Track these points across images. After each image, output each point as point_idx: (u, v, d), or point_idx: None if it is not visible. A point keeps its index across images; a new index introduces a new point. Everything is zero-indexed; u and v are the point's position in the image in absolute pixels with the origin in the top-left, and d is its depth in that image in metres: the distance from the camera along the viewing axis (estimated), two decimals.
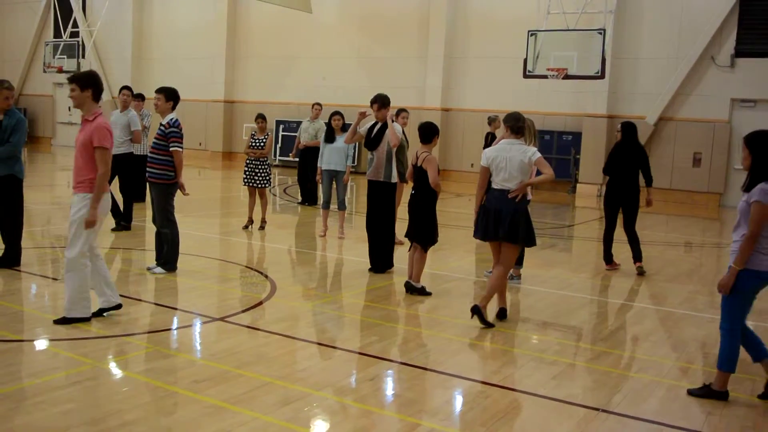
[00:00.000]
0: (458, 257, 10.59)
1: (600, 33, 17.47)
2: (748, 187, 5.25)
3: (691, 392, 5.47)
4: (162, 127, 8.33)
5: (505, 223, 6.84)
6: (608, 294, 9.09)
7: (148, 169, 8.40)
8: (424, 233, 8.16)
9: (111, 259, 9.33)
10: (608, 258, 10.09)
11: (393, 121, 9.30)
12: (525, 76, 18.59)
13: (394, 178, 9.23)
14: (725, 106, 19.34)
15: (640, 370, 6.01)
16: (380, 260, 9.21)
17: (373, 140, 9.20)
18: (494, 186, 7.00)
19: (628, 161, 9.83)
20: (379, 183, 9.19)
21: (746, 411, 5.22)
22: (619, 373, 5.92)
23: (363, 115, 9.12)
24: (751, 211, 5.16)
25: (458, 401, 5.27)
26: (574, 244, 12.96)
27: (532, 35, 18.29)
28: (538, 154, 6.87)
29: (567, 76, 17.88)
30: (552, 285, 9.12)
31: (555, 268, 10.16)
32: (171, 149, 8.30)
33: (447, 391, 5.45)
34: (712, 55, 19.35)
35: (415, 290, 8.17)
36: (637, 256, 9.92)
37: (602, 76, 17.78)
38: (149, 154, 8.42)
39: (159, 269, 8.41)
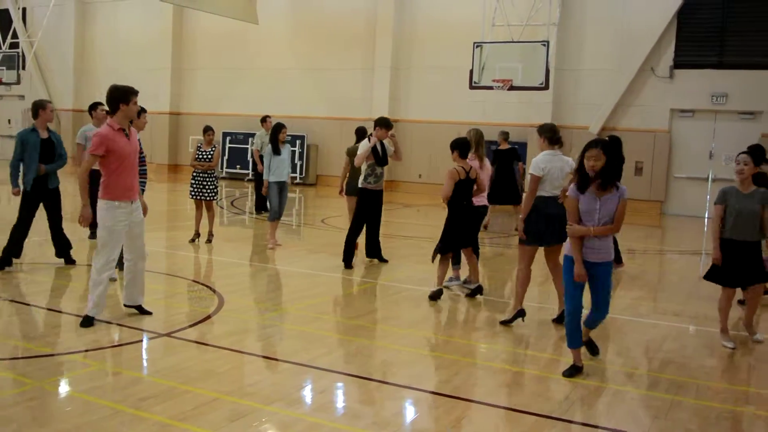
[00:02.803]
0: (407, 267, 10.62)
1: (544, 45, 17.80)
2: (603, 186, 5.81)
3: None
4: None
5: (559, 227, 7.07)
6: (555, 302, 9.20)
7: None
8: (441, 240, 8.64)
9: (70, 274, 9.13)
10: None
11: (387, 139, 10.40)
12: (471, 87, 18.84)
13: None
14: (665, 116, 19.90)
15: (586, 376, 6.09)
16: (377, 248, 10.80)
17: (383, 158, 10.37)
18: (545, 194, 7.34)
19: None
20: (381, 192, 10.58)
21: (691, 415, 5.34)
22: (566, 380, 5.99)
23: (379, 138, 10.25)
24: (619, 208, 5.82)
25: (409, 412, 5.27)
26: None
27: (477, 47, 18.55)
28: (574, 163, 7.05)
29: (512, 87, 18.17)
30: (499, 294, 9.20)
31: (502, 276, 10.25)
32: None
33: (397, 402, 5.45)
34: (652, 67, 19.90)
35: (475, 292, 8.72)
36: (617, 259, 10.50)
37: (546, 87, 18.12)
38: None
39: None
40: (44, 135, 9.22)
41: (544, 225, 7.38)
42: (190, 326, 7.05)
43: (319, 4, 24.25)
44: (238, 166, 25.34)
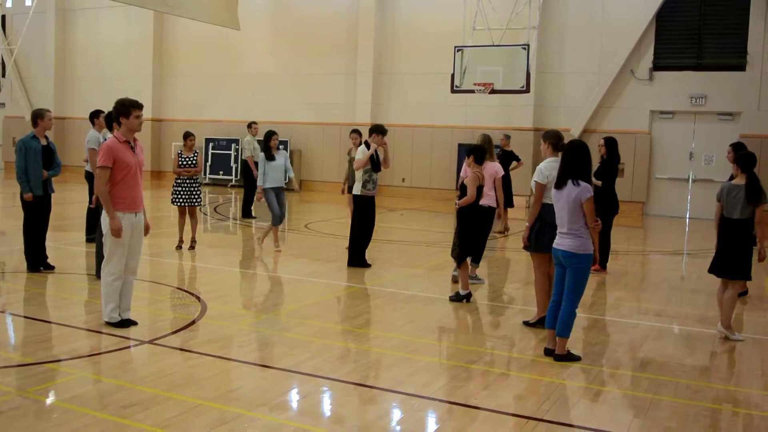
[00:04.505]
0: (391, 271, 10.66)
1: (524, 48, 17.89)
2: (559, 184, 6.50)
3: None
4: None
5: None
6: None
7: None
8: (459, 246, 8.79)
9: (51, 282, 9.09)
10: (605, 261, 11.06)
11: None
12: (453, 91, 18.90)
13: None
14: (645, 118, 20.07)
15: (568, 377, 6.15)
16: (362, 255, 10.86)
17: (378, 164, 10.65)
18: (549, 201, 7.31)
19: (612, 173, 10.91)
20: (374, 198, 10.83)
21: (670, 413, 5.40)
22: (548, 380, 6.05)
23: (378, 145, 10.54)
24: (587, 206, 6.35)
25: (392, 415, 5.30)
26: (502, 255, 13.17)
27: (458, 51, 18.61)
28: None
29: (494, 91, 18.24)
30: (482, 296, 9.25)
31: (486, 278, 10.29)
32: None
33: (381, 406, 5.48)
34: (632, 69, 20.07)
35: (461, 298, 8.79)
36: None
37: (527, 90, 18.21)
38: None
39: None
40: (43, 142, 9.50)
41: (549, 232, 7.36)
42: (173, 333, 7.05)
43: (301, 9, 24.26)
44: (221, 172, 25.27)
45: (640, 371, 6.41)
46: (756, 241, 7.58)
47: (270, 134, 11.94)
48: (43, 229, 9.69)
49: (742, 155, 7.65)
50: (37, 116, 9.46)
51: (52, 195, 9.71)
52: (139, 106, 7.07)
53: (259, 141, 16.92)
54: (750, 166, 7.48)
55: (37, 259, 9.58)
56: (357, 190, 10.63)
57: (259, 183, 11.84)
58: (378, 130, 10.60)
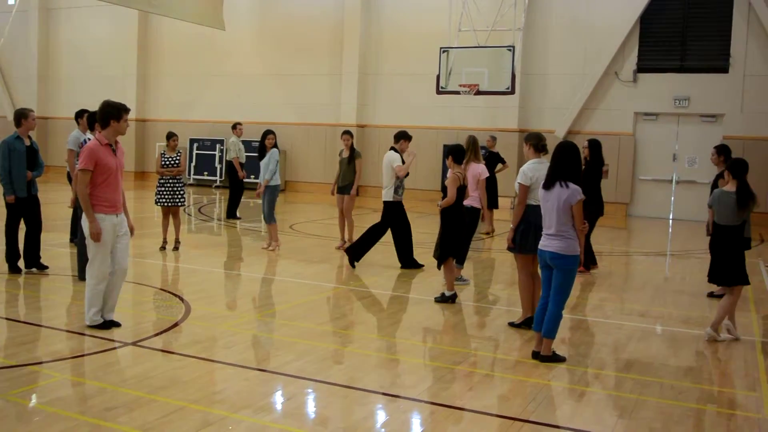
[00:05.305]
0: (374, 273, 10.63)
1: (509, 50, 17.94)
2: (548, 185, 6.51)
3: None
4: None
5: None
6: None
7: None
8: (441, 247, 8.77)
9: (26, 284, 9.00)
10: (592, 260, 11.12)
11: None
12: (438, 92, 18.92)
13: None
14: (629, 120, 20.18)
15: (553, 377, 6.16)
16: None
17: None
18: (534, 203, 7.37)
19: (596, 175, 10.93)
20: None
21: (655, 413, 5.41)
22: (533, 381, 6.05)
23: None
24: (576, 209, 6.36)
25: (377, 417, 5.28)
26: (488, 256, 13.19)
27: (444, 52, 18.64)
28: None
29: (479, 92, 18.28)
30: (467, 297, 9.25)
31: (471, 279, 10.30)
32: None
33: (365, 408, 5.46)
34: (616, 71, 20.17)
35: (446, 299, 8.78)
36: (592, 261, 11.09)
37: (512, 92, 18.26)
38: None
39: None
40: (27, 143, 9.43)
41: (533, 234, 7.37)
42: (157, 335, 6.99)
43: (286, 10, 24.20)
44: (205, 173, 25.16)
45: (624, 372, 6.43)
46: (750, 243, 7.62)
47: (265, 133, 12.14)
48: (37, 229, 9.62)
49: (733, 162, 7.65)
50: (21, 116, 9.37)
51: (38, 195, 9.62)
52: (127, 110, 7.09)
53: (244, 142, 16.96)
54: (742, 172, 7.49)
55: (30, 260, 9.54)
56: (389, 196, 10.66)
57: (261, 181, 12.01)
58: (406, 136, 10.98)
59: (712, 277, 7.76)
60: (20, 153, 9.28)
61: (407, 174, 10.79)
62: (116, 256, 7.05)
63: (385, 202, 10.78)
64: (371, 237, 10.86)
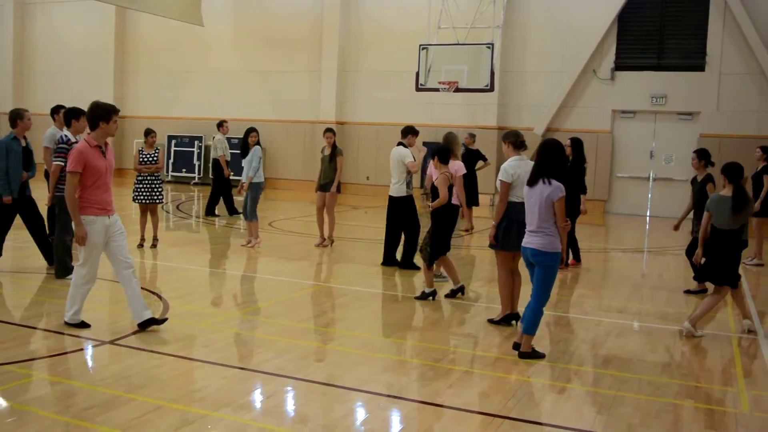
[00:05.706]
0: (355, 271, 10.62)
1: (488, 47, 17.99)
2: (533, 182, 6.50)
3: None
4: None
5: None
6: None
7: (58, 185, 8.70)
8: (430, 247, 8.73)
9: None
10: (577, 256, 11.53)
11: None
12: (417, 89, 18.93)
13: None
14: (607, 117, 20.32)
15: (533, 374, 6.18)
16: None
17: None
18: (516, 200, 7.36)
19: (578, 173, 11.00)
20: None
21: (633, 409, 5.45)
22: (514, 378, 6.07)
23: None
24: (558, 205, 6.37)
25: (357, 414, 5.27)
26: (467, 253, 13.22)
27: (423, 49, 18.65)
28: None
29: (458, 89, 18.31)
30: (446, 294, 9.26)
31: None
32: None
33: (345, 405, 5.45)
34: (594, 69, 20.30)
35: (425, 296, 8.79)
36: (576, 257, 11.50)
37: (492, 89, 18.31)
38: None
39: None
40: (23, 143, 9.34)
41: (515, 231, 7.37)
42: (134, 333, 6.93)
43: (265, 6, 24.07)
44: (183, 170, 24.99)
45: (603, 368, 6.47)
46: (747, 243, 7.68)
47: (248, 131, 12.04)
48: (42, 228, 9.52)
49: (728, 166, 7.65)
50: (16, 116, 9.24)
51: (31, 195, 9.48)
52: (117, 111, 7.01)
53: (229, 139, 16.86)
54: (737, 176, 7.53)
55: (51, 257, 9.36)
56: (401, 191, 10.52)
57: (244, 179, 11.89)
58: (414, 131, 10.93)
59: (700, 276, 7.80)
60: (17, 154, 9.15)
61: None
62: (118, 254, 6.91)
63: (392, 198, 10.63)
64: (408, 238, 10.66)
